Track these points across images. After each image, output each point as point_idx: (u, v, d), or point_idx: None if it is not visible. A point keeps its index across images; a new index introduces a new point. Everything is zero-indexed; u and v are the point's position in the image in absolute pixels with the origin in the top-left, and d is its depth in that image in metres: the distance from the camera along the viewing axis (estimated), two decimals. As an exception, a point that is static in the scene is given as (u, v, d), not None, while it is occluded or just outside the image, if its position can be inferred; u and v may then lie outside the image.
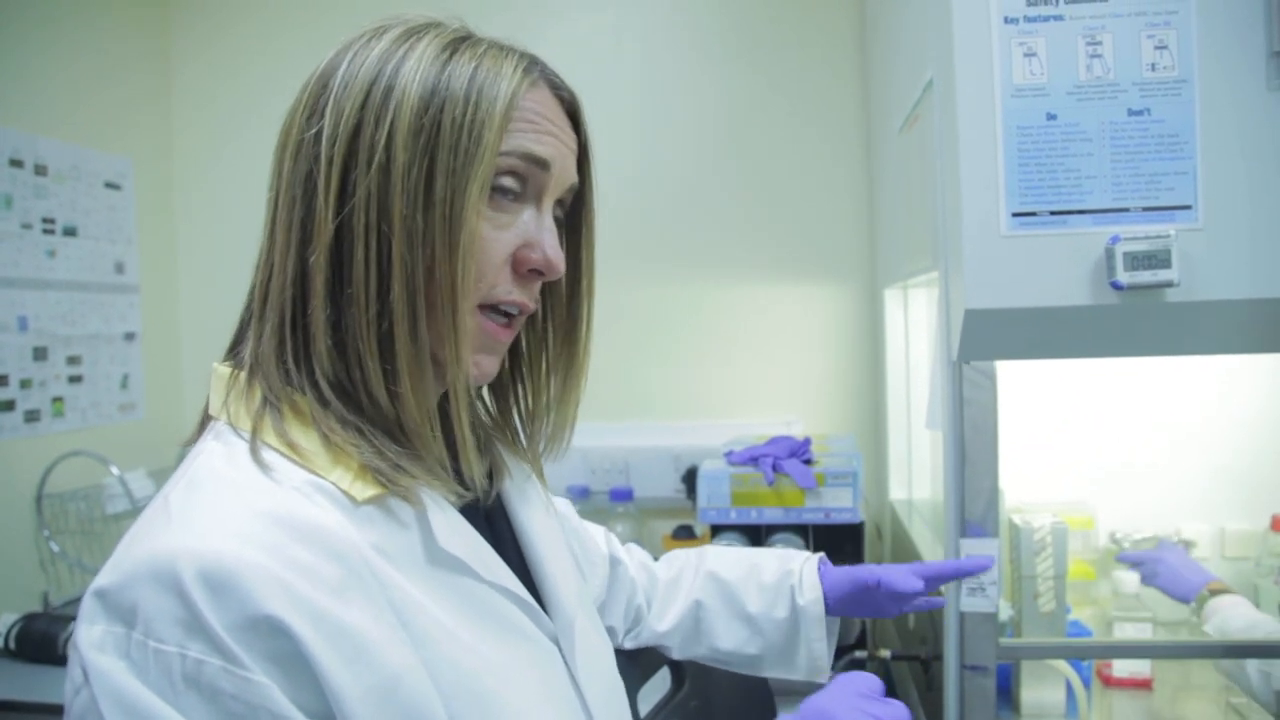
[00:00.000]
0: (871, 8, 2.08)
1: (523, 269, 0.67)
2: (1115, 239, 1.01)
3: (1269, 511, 1.47)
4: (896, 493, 2.06)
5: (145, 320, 2.36)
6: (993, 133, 1.04)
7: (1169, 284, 1.00)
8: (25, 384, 2.01)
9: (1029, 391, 1.54)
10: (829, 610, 1.04)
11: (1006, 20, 1.05)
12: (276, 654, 0.54)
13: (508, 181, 0.66)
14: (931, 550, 1.57)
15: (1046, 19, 1.04)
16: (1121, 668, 1.43)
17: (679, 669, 1.24)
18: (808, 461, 1.65)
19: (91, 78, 2.23)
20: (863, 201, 2.21)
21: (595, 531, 1.05)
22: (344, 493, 0.61)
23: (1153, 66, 1.03)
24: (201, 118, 2.48)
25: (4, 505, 1.98)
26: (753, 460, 1.65)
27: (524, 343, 0.79)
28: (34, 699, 1.64)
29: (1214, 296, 1.02)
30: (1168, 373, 1.59)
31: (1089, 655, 1.37)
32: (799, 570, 1.06)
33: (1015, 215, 1.04)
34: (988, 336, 1.09)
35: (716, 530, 1.66)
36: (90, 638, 0.54)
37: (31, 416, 2.02)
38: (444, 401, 0.66)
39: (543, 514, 0.81)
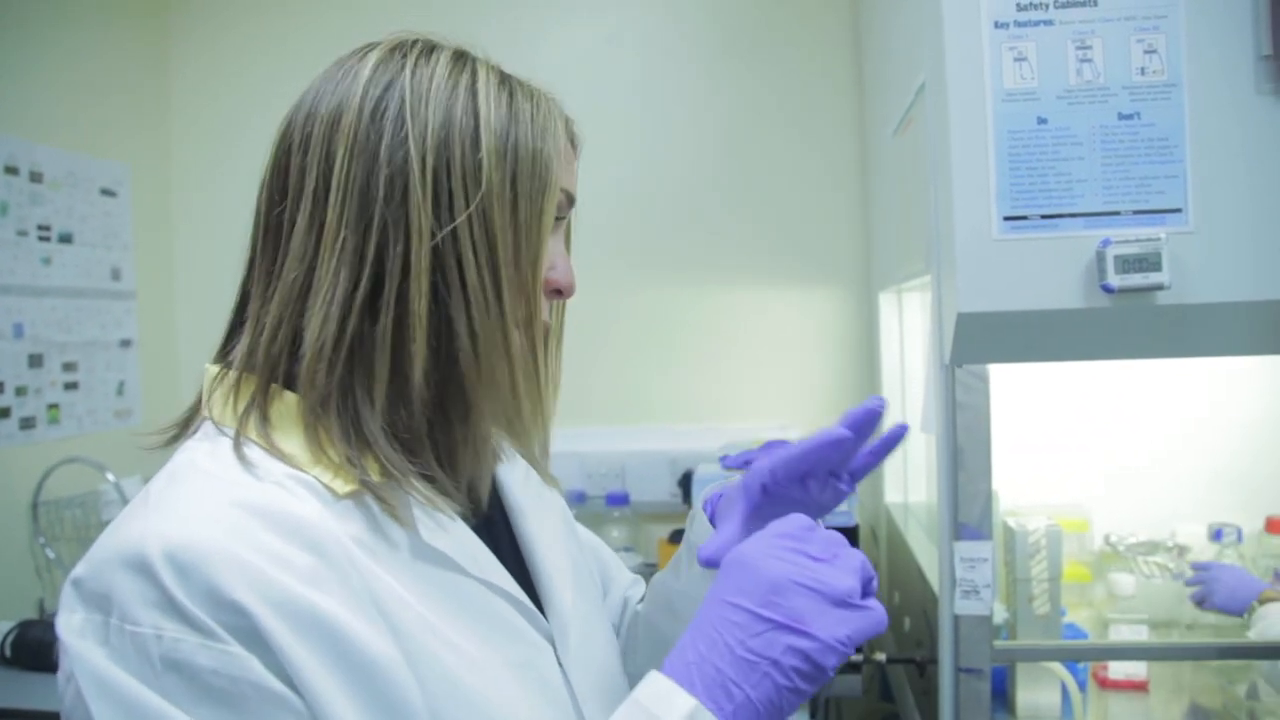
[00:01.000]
0: (865, 13, 2.08)
1: (549, 289, 0.71)
2: (1106, 242, 1.02)
3: (1264, 513, 1.47)
4: (892, 496, 2.06)
5: (142, 327, 2.36)
6: (984, 137, 1.05)
7: (1160, 287, 1.00)
8: (21, 391, 2.01)
9: (1023, 394, 1.54)
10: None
11: (997, 25, 1.05)
12: (247, 632, 0.54)
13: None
14: (927, 553, 1.57)
15: (1036, 23, 1.05)
16: (1117, 670, 1.43)
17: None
18: (803, 465, 1.65)
19: (89, 85, 2.23)
20: (857, 205, 2.21)
21: (625, 577, 1.00)
22: (325, 486, 0.61)
23: (1142, 70, 1.03)
24: (199, 125, 2.49)
25: (0, 512, 1.97)
26: (747, 464, 1.65)
27: None
28: (29, 706, 1.64)
29: (1205, 299, 1.03)
30: (1161, 375, 1.59)
31: (1084, 657, 1.37)
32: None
33: (1007, 219, 1.05)
34: (980, 340, 1.09)
35: (712, 534, 1.66)
36: (71, 625, 0.55)
37: (27, 423, 2.02)
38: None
39: (540, 508, 0.81)
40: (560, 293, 0.72)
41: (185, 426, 0.68)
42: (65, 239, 2.14)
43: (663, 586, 0.87)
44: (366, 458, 0.63)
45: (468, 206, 0.64)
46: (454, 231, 0.63)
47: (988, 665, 1.18)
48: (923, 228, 1.23)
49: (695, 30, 2.27)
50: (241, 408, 0.64)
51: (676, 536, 2.07)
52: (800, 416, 2.22)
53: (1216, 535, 1.48)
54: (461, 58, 0.69)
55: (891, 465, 2.04)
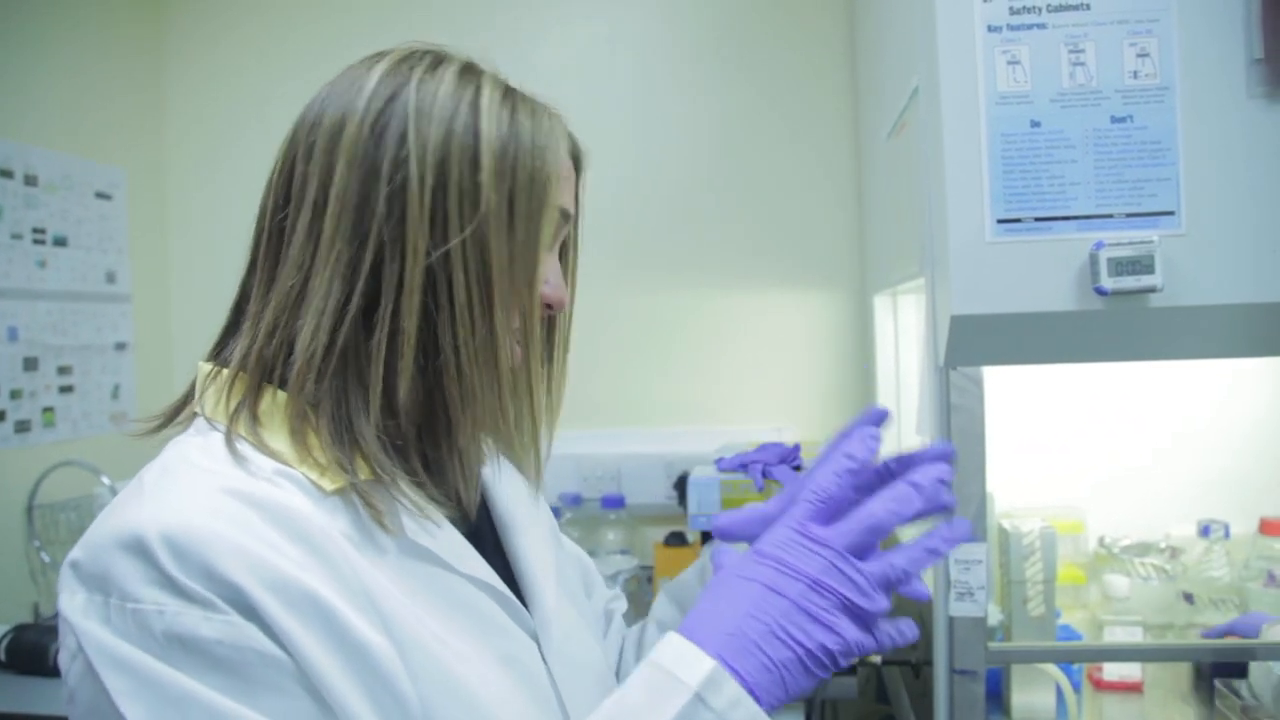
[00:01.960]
0: (860, 16, 2.09)
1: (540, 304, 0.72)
2: (1099, 245, 1.02)
3: (1257, 515, 1.48)
4: (888, 498, 2.06)
5: (137, 330, 2.36)
6: (977, 140, 1.05)
7: (1153, 289, 1.01)
8: (15, 394, 2.01)
9: (1018, 396, 1.54)
10: None
11: (990, 28, 1.06)
12: (243, 607, 0.56)
13: None
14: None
15: (1030, 27, 1.05)
16: (1112, 671, 1.43)
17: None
18: (798, 468, 1.66)
19: (85, 89, 2.23)
20: (852, 208, 2.22)
21: (606, 591, 1.02)
22: (313, 483, 0.63)
23: (1135, 74, 1.04)
24: (195, 129, 2.48)
25: (-6, 516, 1.97)
26: (743, 467, 1.66)
27: None
28: (25, 710, 1.63)
29: (1197, 302, 1.03)
30: (1155, 377, 1.60)
31: (1079, 659, 1.37)
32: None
33: (1000, 222, 1.05)
34: (974, 342, 1.09)
35: (707, 537, 1.66)
36: (74, 605, 0.57)
37: (22, 427, 2.02)
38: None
39: (525, 510, 0.82)
40: (550, 307, 0.73)
41: (172, 417, 0.70)
42: (60, 242, 2.13)
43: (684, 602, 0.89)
44: (356, 460, 0.64)
45: (463, 229, 0.64)
46: (448, 252, 0.64)
47: (982, 667, 1.18)
48: (917, 230, 1.24)
49: (690, 33, 2.28)
50: (233, 405, 0.65)
51: (673, 539, 2.07)
52: (796, 419, 2.23)
53: (1204, 532, 1.48)
54: (469, 71, 0.69)
55: (887, 467, 2.04)
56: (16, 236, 2.02)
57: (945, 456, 0.68)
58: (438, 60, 0.69)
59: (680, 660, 0.58)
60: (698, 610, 0.61)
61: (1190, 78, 1.03)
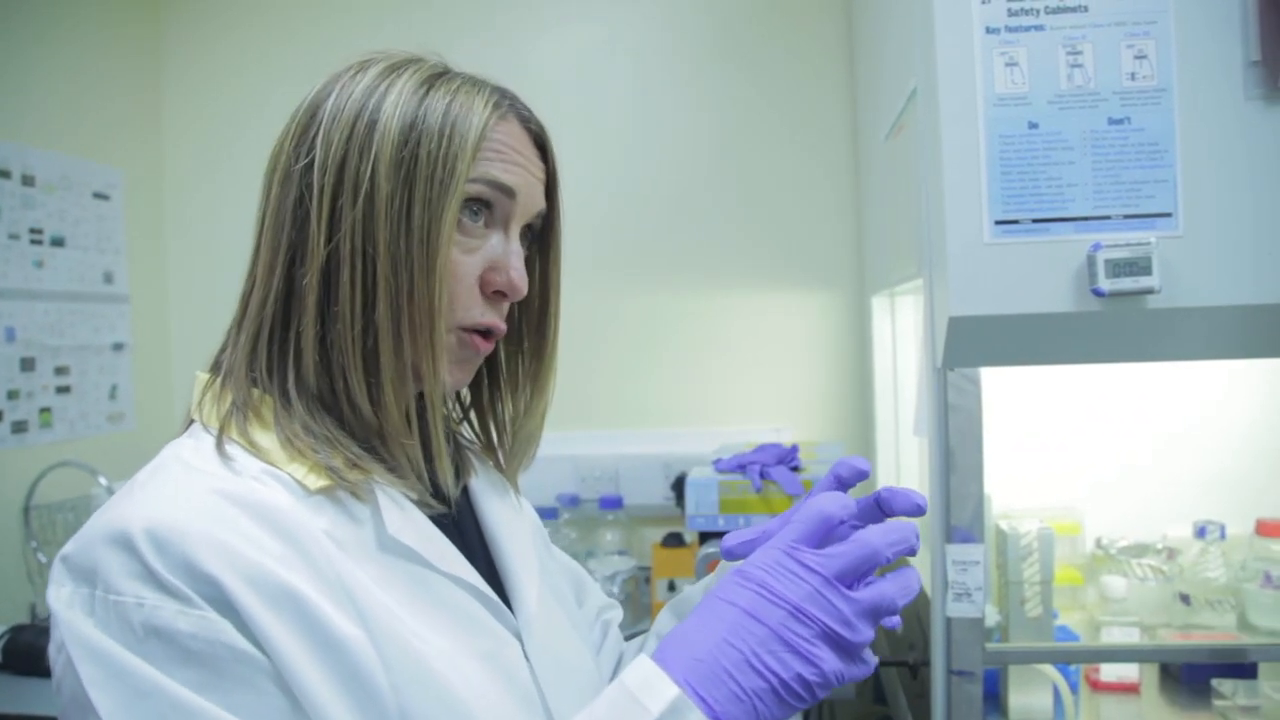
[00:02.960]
0: (859, 18, 2.09)
1: (489, 290, 0.71)
2: (1097, 246, 1.02)
3: (1254, 516, 1.48)
4: (885, 499, 2.06)
5: (135, 330, 2.36)
6: (975, 141, 1.05)
7: (1150, 290, 1.01)
8: (13, 395, 2.00)
9: (1016, 398, 1.55)
10: None
11: (988, 30, 1.06)
12: (219, 601, 0.57)
13: (475, 207, 0.70)
14: (920, 555, 1.57)
15: (1028, 29, 1.05)
16: (1109, 672, 1.44)
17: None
18: (795, 468, 1.66)
19: (82, 90, 2.23)
20: (851, 209, 2.22)
21: (601, 600, 1.01)
22: (298, 482, 0.64)
23: (1132, 76, 1.04)
24: (192, 129, 2.48)
25: (-9, 516, 1.97)
26: (740, 468, 1.66)
27: (501, 359, 0.83)
28: (22, 711, 1.63)
29: (1194, 303, 1.03)
30: (1153, 378, 1.60)
31: (1076, 660, 1.37)
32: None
33: (998, 223, 1.05)
34: (972, 343, 1.09)
35: (705, 537, 1.66)
36: (60, 597, 0.58)
37: (19, 427, 2.02)
38: (420, 411, 0.70)
39: (511, 516, 0.83)
40: (503, 294, 0.72)
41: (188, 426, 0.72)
42: (58, 243, 2.13)
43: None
44: (334, 454, 0.66)
45: (353, 224, 0.66)
46: (339, 250, 0.66)
47: (980, 668, 1.18)
48: (915, 232, 1.24)
49: (689, 35, 2.28)
50: (224, 410, 0.67)
51: (670, 540, 2.07)
52: (793, 420, 2.23)
53: (1200, 533, 1.48)
54: (400, 67, 0.70)
55: (884, 468, 2.05)
56: (14, 237, 2.02)
57: (923, 510, 0.66)
58: (390, 65, 0.70)
59: (646, 685, 0.57)
60: (674, 633, 0.59)
61: (1188, 80, 1.03)
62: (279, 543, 0.60)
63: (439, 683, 0.62)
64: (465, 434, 0.85)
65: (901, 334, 1.94)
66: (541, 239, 0.79)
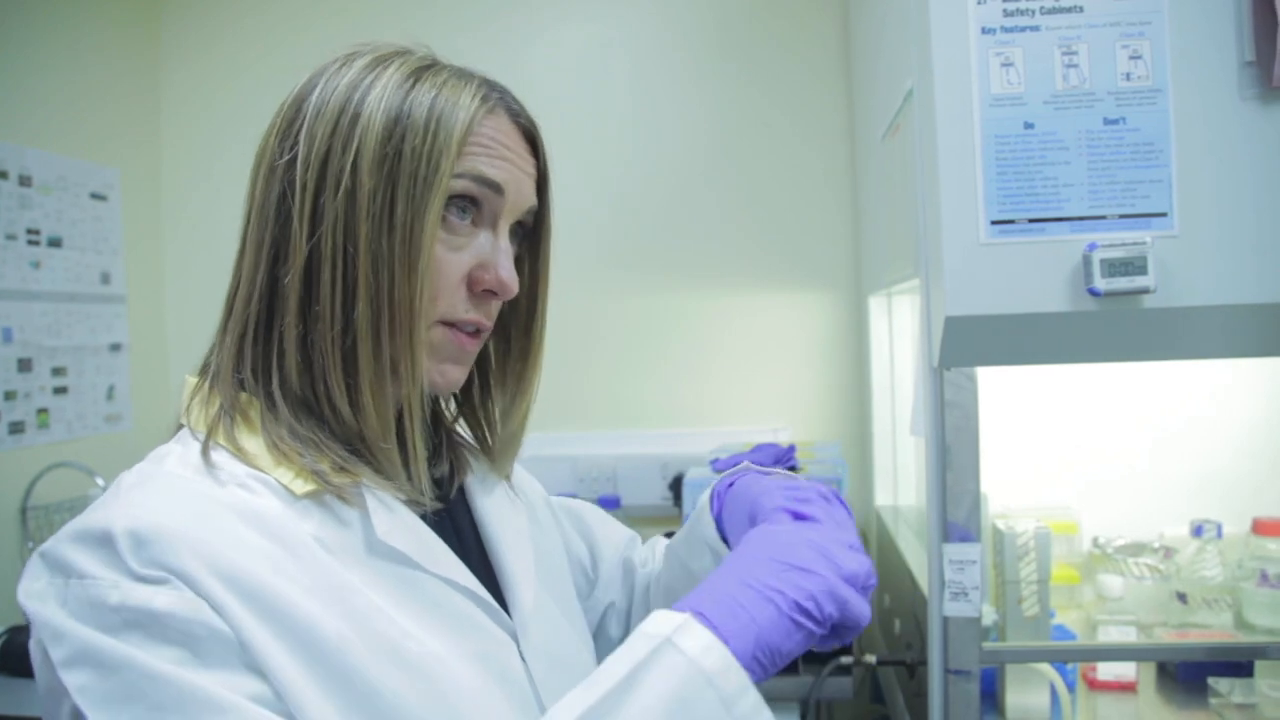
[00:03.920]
0: (855, 18, 2.09)
1: (477, 289, 0.70)
2: (1092, 246, 1.02)
3: (1250, 515, 1.48)
4: (882, 499, 2.07)
5: (132, 331, 2.36)
6: (971, 142, 1.06)
7: (1145, 290, 1.01)
8: (10, 395, 2.00)
9: (1012, 397, 1.55)
10: None
11: (984, 31, 1.06)
12: (199, 592, 0.56)
13: (463, 205, 0.68)
14: (917, 556, 1.57)
15: (1023, 29, 1.06)
16: (1105, 671, 1.44)
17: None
18: (792, 468, 1.66)
19: (80, 90, 2.23)
20: (848, 209, 2.22)
21: (619, 537, 1.01)
22: (284, 487, 0.64)
23: (1128, 76, 1.04)
24: (190, 130, 2.48)
25: (-11, 517, 1.97)
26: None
27: (491, 355, 0.81)
28: (18, 713, 1.63)
29: (1190, 302, 1.04)
30: (1150, 378, 1.60)
31: (1073, 659, 1.38)
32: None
33: (994, 223, 1.06)
34: (968, 343, 1.10)
35: (703, 537, 1.66)
36: (32, 591, 0.58)
37: (16, 428, 2.02)
38: (401, 412, 0.69)
39: (507, 514, 0.81)
40: (493, 293, 0.70)
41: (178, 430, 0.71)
42: (55, 243, 2.13)
43: (679, 563, 0.88)
44: (320, 459, 0.65)
45: (335, 219, 0.65)
46: (318, 247, 0.65)
47: (977, 667, 1.18)
48: (911, 232, 1.24)
49: (686, 34, 2.28)
50: (212, 414, 0.67)
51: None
52: (791, 419, 2.23)
53: (1197, 531, 1.49)
54: (386, 60, 0.69)
55: (882, 468, 2.05)
56: (11, 237, 2.02)
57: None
58: (376, 58, 0.69)
59: (661, 619, 0.59)
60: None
61: (1182, 80, 1.04)
62: (268, 543, 0.60)
63: (431, 684, 0.61)
64: (460, 432, 0.84)
65: (898, 334, 1.94)
66: (532, 237, 0.78)
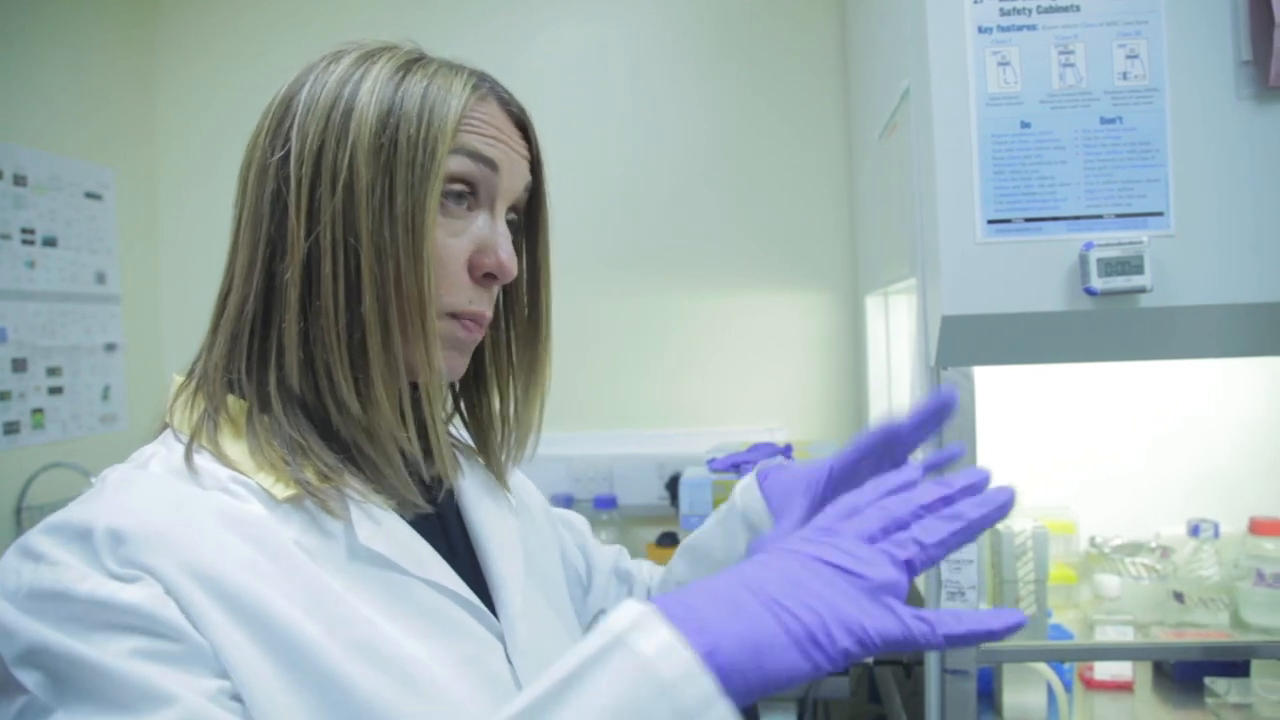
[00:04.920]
0: (852, 17, 2.09)
1: (478, 274, 0.69)
2: (1089, 245, 1.02)
3: (1248, 514, 1.48)
4: (880, 498, 2.06)
5: (127, 331, 2.35)
6: (968, 141, 1.06)
7: (1142, 289, 1.01)
8: (4, 396, 1.99)
9: (1010, 397, 1.55)
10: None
11: (981, 30, 1.06)
12: (172, 591, 0.55)
13: (459, 189, 0.68)
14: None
15: (1020, 28, 1.06)
16: (1103, 670, 1.44)
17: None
18: (790, 468, 1.66)
19: (74, 89, 2.22)
20: (845, 209, 2.22)
21: (609, 549, 1.03)
22: (266, 491, 0.63)
23: (1124, 75, 1.04)
24: (185, 129, 2.48)
25: (-17, 518, 1.96)
26: (734, 467, 1.66)
27: (486, 349, 0.81)
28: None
29: (1186, 302, 1.04)
30: (1147, 377, 1.60)
31: (1070, 658, 1.38)
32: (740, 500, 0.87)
33: (990, 222, 1.06)
34: (965, 342, 1.09)
35: (700, 537, 1.66)
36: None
37: (11, 428, 2.01)
38: (414, 402, 0.68)
39: (498, 516, 0.81)
40: (493, 276, 0.70)
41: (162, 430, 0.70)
42: (49, 243, 2.12)
43: (704, 554, 0.86)
44: (305, 464, 0.64)
45: (334, 214, 0.64)
46: (318, 242, 0.65)
47: (974, 666, 1.18)
48: (908, 231, 1.24)
49: (684, 34, 2.28)
50: (196, 416, 0.66)
51: (664, 539, 2.07)
52: (788, 419, 2.23)
53: (1194, 531, 1.49)
54: (372, 55, 0.69)
55: (879, 468, 2.04)
56: (5, 237, 2.01)
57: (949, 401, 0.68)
58: (363, 54, 0.69)
59: (622, 612, 0.49)
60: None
61: (1179, 79, 1.04)
62: (248, 547, 0.59)
63: (411, 689, 0.60)
64: (454, 431, 0.83)
65: (895, 333, 1.94)
66: (529, 222, 0.77)
